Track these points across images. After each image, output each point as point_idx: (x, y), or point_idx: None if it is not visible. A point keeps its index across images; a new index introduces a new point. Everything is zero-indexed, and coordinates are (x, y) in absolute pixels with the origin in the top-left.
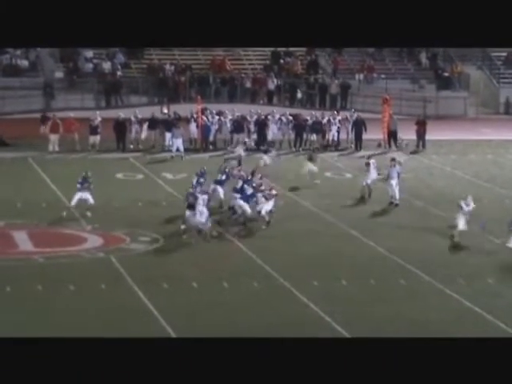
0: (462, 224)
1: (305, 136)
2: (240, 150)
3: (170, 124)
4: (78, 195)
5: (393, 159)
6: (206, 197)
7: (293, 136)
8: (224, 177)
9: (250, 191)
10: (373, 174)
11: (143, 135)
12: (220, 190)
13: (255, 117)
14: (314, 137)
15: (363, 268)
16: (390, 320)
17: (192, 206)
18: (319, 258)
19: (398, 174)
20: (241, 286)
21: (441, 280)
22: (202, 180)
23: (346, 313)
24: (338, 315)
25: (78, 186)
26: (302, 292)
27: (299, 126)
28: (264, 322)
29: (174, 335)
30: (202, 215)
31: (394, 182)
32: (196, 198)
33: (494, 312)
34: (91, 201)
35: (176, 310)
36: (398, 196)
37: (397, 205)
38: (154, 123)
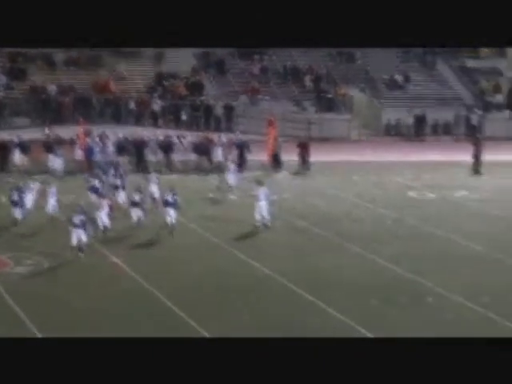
0: None
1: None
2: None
3: (50, 145)
4: None
5: (259, 181)
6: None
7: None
8: None
9: None
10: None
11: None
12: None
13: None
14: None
15: (249, 288)
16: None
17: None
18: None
19: (264, 196)
20: (128, 309)
21: (325, 300)
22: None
23: None
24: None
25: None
26: (189, 314)
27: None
28: None
29: None
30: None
31: (261, 203)
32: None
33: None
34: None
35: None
36: (268, 217)
37: (266, 225)
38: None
